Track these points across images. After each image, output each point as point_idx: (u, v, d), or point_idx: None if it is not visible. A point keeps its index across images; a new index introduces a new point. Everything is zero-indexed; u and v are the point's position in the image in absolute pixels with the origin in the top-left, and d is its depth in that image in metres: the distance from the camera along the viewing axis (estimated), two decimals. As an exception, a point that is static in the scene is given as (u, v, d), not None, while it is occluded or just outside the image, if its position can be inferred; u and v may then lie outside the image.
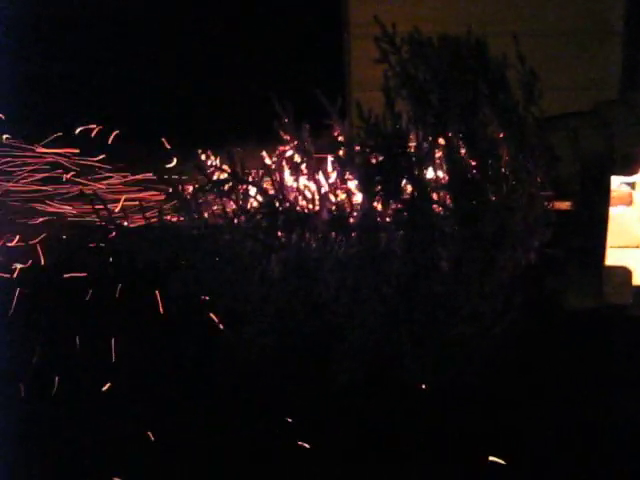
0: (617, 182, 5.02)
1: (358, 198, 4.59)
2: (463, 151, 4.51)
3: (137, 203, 4.70)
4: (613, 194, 4.91)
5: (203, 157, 4.84)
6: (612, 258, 4.95)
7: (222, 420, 4.36)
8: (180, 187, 4.78)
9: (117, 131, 5.17)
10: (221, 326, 4.66)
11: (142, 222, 4.61)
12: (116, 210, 4.72)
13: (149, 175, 5.04)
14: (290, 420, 4.29)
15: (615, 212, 4.98)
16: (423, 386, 4.31)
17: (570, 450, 4.17)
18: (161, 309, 4.74)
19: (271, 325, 4.59)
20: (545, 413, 4.25)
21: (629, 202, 5.26)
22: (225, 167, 4.68)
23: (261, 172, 4.67)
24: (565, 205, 4.85)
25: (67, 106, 5.55)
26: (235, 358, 4.49)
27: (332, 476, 4.22)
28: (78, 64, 5.91)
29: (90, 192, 4.94)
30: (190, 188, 4.75)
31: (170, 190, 4.82)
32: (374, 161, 4.56)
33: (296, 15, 6.16)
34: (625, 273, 4.90)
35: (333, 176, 4.71)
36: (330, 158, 4.77)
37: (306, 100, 4.79)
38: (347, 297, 4.46)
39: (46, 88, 5.78)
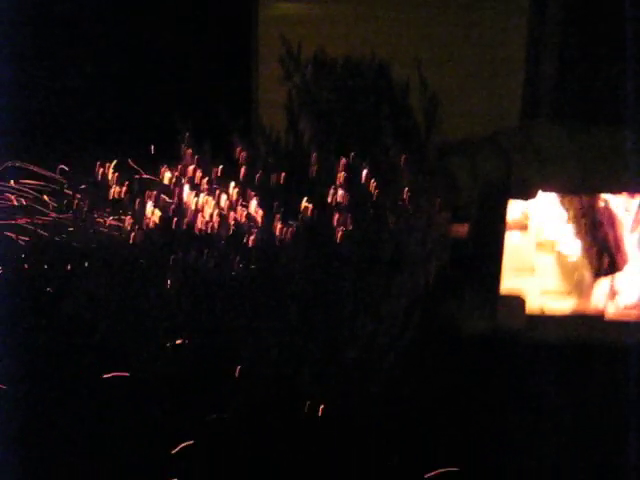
0: (513, 208, 5.13)
1: (258, 217, 4.55)
2: (364, 173, 4.54)
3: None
4: (509, 220, 5.01)
5: (99, 170, 4.71)
6: (507, 283, 5.05)
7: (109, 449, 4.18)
8: (74, 200, 4.66)
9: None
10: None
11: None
12: None
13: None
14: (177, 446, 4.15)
15: (510, 237, 5.08)
16: (317, 412, 4.26)
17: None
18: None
19: (168, 345, 4.49)
20: (438, 440, 4.25)
21: (524, 228, 5.39)
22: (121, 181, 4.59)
23: (159, 188, 4.59)
24: (463, 230, 4.93)
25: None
26: (128, 379, 4.36)
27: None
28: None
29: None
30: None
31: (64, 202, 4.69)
32: (274, 180, 4.55)
33: (203, 32, 6.11)
34: (519, 299, 5.00)
35: (233, 194, 4.66)
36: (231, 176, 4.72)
37: (211, 117, 4.75)
38: (244, 317, 4.39)
39: None
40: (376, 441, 4.16)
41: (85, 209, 4.66)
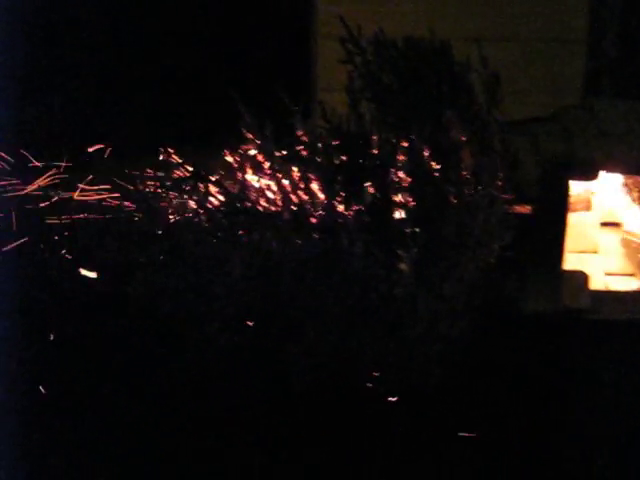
0: (577, 187, 5.08)
1: (320, 199, 4.58)
2: (426, 153, 4.53)
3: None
4: (572, 199, 4.97)
5: (164, 156, 4.79)
6: (570, 263, 5.01)
7: (175, 426, 4.28)
8: (141, 185, 4.76)
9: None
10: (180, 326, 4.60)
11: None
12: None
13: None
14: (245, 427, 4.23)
15: (574, 217, 5.04)
16: (379, 390, 4.30)
17: (526, 454, 4.18)
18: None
19: (231, 325, 4.56)
20: (502, 417, 4.26)
21: (588, 207, 5.33)
22: (187, 165, 4.67)
23: (223, 171, 4.66)
24: (525, 209, 4.90)
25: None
26: (192, 358, 4.45)
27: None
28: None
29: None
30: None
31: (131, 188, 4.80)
32: (336, 162, 4.56)
33: (263, 14, 6.14)
34: (582, 277, 4.96)
35: (296, 176, 4.69)
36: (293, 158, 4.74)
37: (271, 100, 4.78)
38: (307, 297, 4.44)
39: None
40: (438, 418, 4.20)
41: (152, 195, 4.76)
